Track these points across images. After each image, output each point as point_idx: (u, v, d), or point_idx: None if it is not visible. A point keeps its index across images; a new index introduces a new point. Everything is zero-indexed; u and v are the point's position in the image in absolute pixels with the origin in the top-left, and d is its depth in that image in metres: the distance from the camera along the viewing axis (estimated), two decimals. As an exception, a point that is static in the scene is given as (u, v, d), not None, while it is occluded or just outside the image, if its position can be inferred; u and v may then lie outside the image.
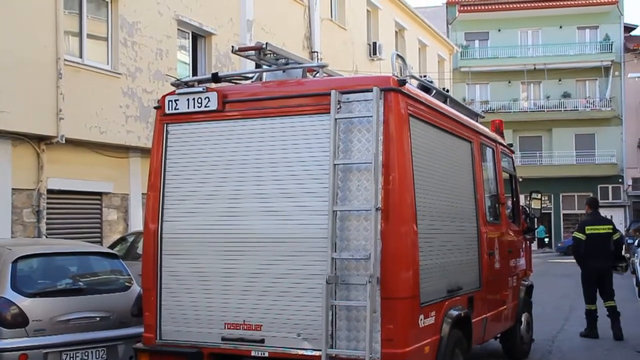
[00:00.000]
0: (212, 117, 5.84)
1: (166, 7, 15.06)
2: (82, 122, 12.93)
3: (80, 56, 13.37)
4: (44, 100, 12.17)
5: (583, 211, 12.19)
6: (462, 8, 45.15)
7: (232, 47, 6.49)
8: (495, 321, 7.71)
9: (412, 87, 5.84)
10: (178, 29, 15.64)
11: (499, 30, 45.10)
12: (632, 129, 42.52)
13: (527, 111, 44.25)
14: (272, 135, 5.60)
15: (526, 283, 9.22)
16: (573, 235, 11.35)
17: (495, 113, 39.15)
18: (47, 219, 12.50)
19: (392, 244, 5.17)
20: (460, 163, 6.80)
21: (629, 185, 42.63)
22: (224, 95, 5.84)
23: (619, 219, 41.32)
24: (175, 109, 5.97)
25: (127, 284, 7.31)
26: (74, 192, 13.30)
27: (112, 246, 11.85)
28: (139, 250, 10.36)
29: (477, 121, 7.99)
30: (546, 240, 42.00)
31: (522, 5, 44.73)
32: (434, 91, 6.63)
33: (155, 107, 6.20)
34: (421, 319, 5.44)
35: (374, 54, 24.58)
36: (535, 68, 43.75)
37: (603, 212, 12.76)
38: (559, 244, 38.92)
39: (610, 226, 10.97)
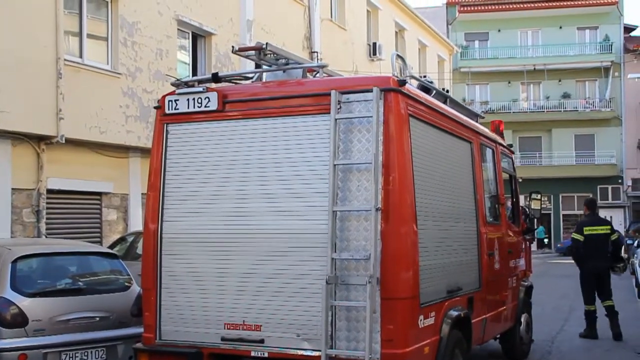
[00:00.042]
0: (212, 117, 5.84)
1: (166, 7, 15.06)
2: (82, 122, 12.93)
3: (80, 56, 13.37)
4: (44, 100, 12.16)
5: (582, 212, 12.20)
6: (462, 8, 45.16)
7: (233, 47, 6.49)
8: (494, 322, 7.71)
9: (412, 87, 5.84)
10: (178, 29, 15.64)
11: (499, 31, 45.11)
12: (632, 130, 42.53)
13: (526, 112, 44.26)
14: (272, 136, 5.60)
15: (526, 284, 9.22)
16: (571, 236, 11.37)
17: (495, 113, 39.17)
18: (47, 218, 12.50)
19: (392, 244, 5.17)
20: (460, 163, 6.80)
21: (629, 186, 42.64)
22: (224, 95, 5.84)
23: (619, 219, 41.36)
24: (175, 109, 5.97)
25: (126, 284, 7.30)
26: (73, 192, 13.30)
27: (111, 246, 11.85)
28: (139, 250, 10.36)
29: (477, 122, 8.00)
30: (546, 240, 42.04)
31: (522, 5, 44.75)
32: (434, 91, 6.63)
33: (155, 107, 6.20)
34: (421, 320, 5.44)
35: (373, 54, 24.59)
36: (535, 68, 43.76)
37: (603, 213, 12.82)
38: (559, 245, 38.92)
39: (609, 227, 10.99)
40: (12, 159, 11.99)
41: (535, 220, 10.40)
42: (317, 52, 20.64)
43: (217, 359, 5.68)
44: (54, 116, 12.30)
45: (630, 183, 42.60)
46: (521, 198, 10.11)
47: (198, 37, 16.60)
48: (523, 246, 9.39)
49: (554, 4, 44.06)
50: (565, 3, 43.96)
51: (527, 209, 10.02)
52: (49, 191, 12.57)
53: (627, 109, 43.04)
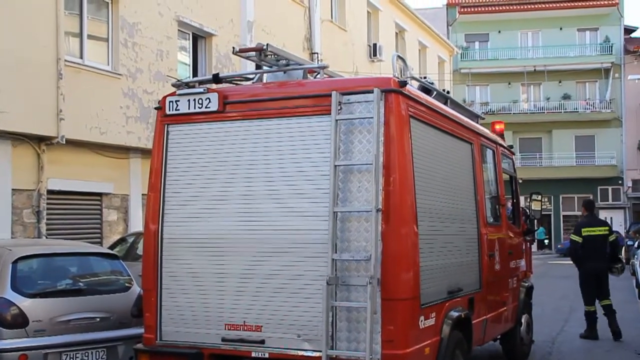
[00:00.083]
0: (213, 118, 5.84)
1: (167, 8, 15.07)
2: (83, 122, 12.94)
3: (81, 57, 13.37)
4: (44, 101, 12.17)
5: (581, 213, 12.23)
6: (462, 9, 45.17)
7: (233, 48, 6.50)
8: (495, 322, 7.71)
9: (412, 88, 5.84)
10: (178, 30, 15.65)
11: (499, 32, 45.12)
12: (632, 131, 42.54)
13: (527, 113, 44.27)
14: (273, 137, 5.60)
15: (526, 284, 9.21)
16: (570, 237, 11.38)
17: (495, 114, 39.17)
18: (47, 219, 12.50)
19: (392, 245, 5.18)
20: (460, 164, 6.80)
21: (629, 187, 42.65)
22: (225, 96, 5.84)
23: (619, 220, 41.38)
24: (175, 109, 5.97)
25: (127, 284, 7.30)
26: (74, 193, 13.30)
27: (112, 247, 11.85)
28: (139, 251, 10.36)
29: (477, 122, 8.00)
30: (546, 241, 42.04)
31: (522, 7, 44.76)
32: (435, 92, 6.63)
33: (155, 108, 6.21)
34: (421, 320, 5.44)
35: (374, 56, 24.60)
36: (535, 70, 43.77)
37: (603, 214, 12.85)
38: (559, 246, 38.92)
39: (607, 227, 11.02)
40: (12, 159, 12.00)
41: (536, 221, 10.40)
42: (317, 53, 20.65)
43: (217, 360, 5.68)
44: (54, 117, 12.31)
45: (630, 184, 42.60)
46: (521, 199, 10.12)
47: (198, 38, 16.60)
48: (523, 247, 9.39)
49: (554, 5, 44.08)
50: (565, 4, 43.97)
51: (527, 210, 10.02)
52: (50, 192, 12.57)
53: (627, 110, 43.04)
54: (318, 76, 6.34)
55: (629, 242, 26.60)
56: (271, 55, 6.01)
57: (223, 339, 5.59)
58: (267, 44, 5.92)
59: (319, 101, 5.47)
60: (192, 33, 16.30)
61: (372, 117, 5.24)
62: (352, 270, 5.24)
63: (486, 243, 7.27)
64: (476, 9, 45.54)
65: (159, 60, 14.86)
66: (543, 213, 11.05)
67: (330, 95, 5.35)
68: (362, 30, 24.65)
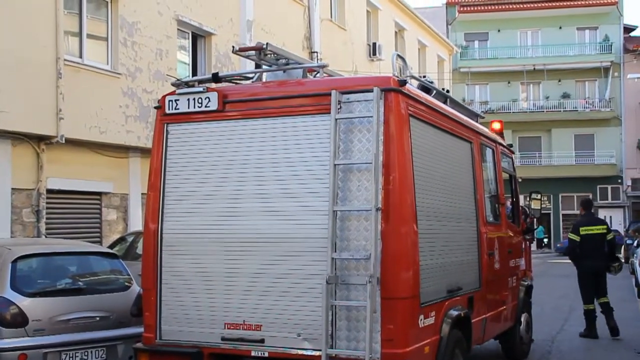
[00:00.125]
0: (213, 117, 5.84)
1: (166, 7, 15.06)
2: (82, 122, 12.93)
3: (80, 56, 13.37)
4: (43, 100, 12.16)
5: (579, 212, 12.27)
6: (461, 8, 45.18)
7: (233, 47, 6.49)
8: (494, 321, 7.71)
9: (412, 87, 5.84)
10: (178, 29, 15.64)
11: (499, 31, 45.13)
12: (632, 130, 42.56)
13: (526, 112, 44.31)
14: (273, 136, 5.60)
15: (525, 283, 9.22)
16: (568, 236, 11.41)
17: (494, 113, 39.20)
18: (47, 218, 12.50)
19: (392, 244, 5.18)
20: (460, 163, 6.80)
21: (628, 186, 42.68)
22: (224, 95, 5.84)
23: (618, 219, 41.41)
24: (175, 109, 5.96)
25: (126, 283, 7.30)
26: (73, 192, 13.30)
27: (111, 246, 11.85)
28: (139, 250, 10.36)
29: (477, 122, 8.00)
30: (545, 240, 42.07)
31: (521, 5, 44.77)
32: (434, 91, 6.63)
33: (155, 107, 6.20)
34: (421, 319, 5.44)
35: (373, 55, 24.59)
36: (534, 68, 43.79)
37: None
38: (558, 245, 38.93)
39: (605, 226, 11.05)
40: (12, 158, 11.99)
41: (535, 220, 10.41)
42: (317, 52, 20.65)
43: (217, 359, 5.68)
44: (53, 116, 12.31)
45: (629, 183, 42.64)
46: (521, 198, 10.12)
47: (198, 37, 16.60)
48: (523, 246, 9.39)
49: (554, 4, 44.09)
50: (565, 3, 43.98)
51: (527, 209, 10.02)
52: (49, 191, 12.57)
53: (626, 109, 43.07)
54: (318, 75, 6.34)
55: (628, 241, 26.60)
56: (271, 54, 6.01)
57: (223, 338, 5.59)
58: (267, 43, 5.92)
59: (318, 100, 5.47)
60: (192, 32, 16.30)
61: (371, 116, 5.24)
62: (351, 269, 5.24)
63: (486, 242, 7.27)
64: (475, 8, 45.54)
65: (158, 60, 14.86)
66: (542, 212, 11.06)
67: (329, 94, 5.35)
68: (362, 29, 24.65)
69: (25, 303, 6.33)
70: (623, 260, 22.90)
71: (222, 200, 5.74)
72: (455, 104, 7.29)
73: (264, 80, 6.34)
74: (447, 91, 7.30)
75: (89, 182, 13.51)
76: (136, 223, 14.17)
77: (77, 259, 7.42)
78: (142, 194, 14.10)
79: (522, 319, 8.94)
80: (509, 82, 44.40)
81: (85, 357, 6.56)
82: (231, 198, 5.70)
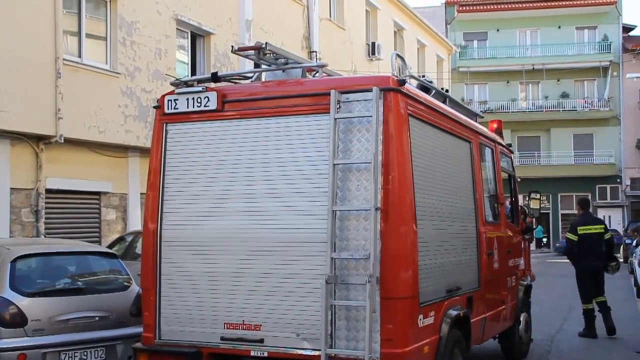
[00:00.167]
0: (212, 116, 5.84)
1: (165, 7, 15.05)
2: (81, 121, 12.93)
3: (79, 56, 13.36)
4: (42, 100, 12.16)
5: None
6: (460, 8, 45.18)
7: (232, 46, 6.49)
8: (494, 321, 7.71)
9: (411, 87, 5.84)
10: (177, 29, 15.63)
11: (498, 31, 45.13)
12: (630, 129, 42.59)
13: (525, 111, 44.30)
14: (272, 135, 5.60)
15: (525, 283, 9.22)
16: (565, 236, 11.43)
17: (493, 113, 39.21)
18: (46, 218, 12.49)
19: (391, 243, 5.17)
20: (459, 163, 6.80)
21: (627, 185, 42.70)
22: (224, 94, 5.84)
23: (617, 219, 41.43)
24: (174, 108, 5.96)
25: (126, 283, 7.30)
26: (72, 192, 13.29)
27: (110, 246, 11.84)
28: (138, 250, 10.35)
29: (476, 121, 8.00)
30: (544, 240, 42.08)
31: (520, 5, 44.78)
32: (434, 91, 6.63)
33: (154, 107, 6.19)
34: (420, 319, 5.44)
35: (372, 54, 24.58)
36: (533, 68, 43.80)
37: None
38: (557, 244, 38.97)
39: (602, 226, 11.07)
40: (10, 158, 11.98)
41: (534, 219, 10.42)
42: (316, 52, 20.64)
43: (216, 359, 5.67)
44: (52, 116, 12.30)
45: (628, 182, 42.67)
46: (520, 197, 10.12)
47: (197, 37, 16.59)
48: (522, 246, 9.40)
49: (553, 3, 44.09)
50: (563, 3, 43.99)
51: (526, 209, 10.03)
52: (48, 191, 12.56)
53: (625, 109, 43.09)
54: (317, 75, 6.34)
55: (627, 241, 26.62)
56: (270, 53, 6.01)
57: (222, 338, 5.59)
58: (266, 43, 5.92)
59: (317, 100, 5.47)
60: (191, 32, 16.29)
61: (371, 116, 5.24)
62: (351, 269, 5.24)
63: (485, 241, 7.27)
64: (475, 8, 45.54)
65: (157, 59, 14.85)
66: (541, 212, 11.07)
67: (329, 94, 5.35)
68: (361, 29, 24.65)
69: (24, 303, 6.33)
70: (622, 260, 22.99)
71: (221, 200, 5.73)
72: (454, 104, 7.29)
73: (263, 79, 6.34)
74: (446, 91, 7.30)
75: (88, 181, 13.50)
76: (135, 223, 14.17)
77: (76, 258, 7.42)
78: (141, 193, 14.09)
79: (521, 319, 8.95)
80: (508, 82, 44.41)
81: (85, 357, 6.56)
82: (233, 198, 5.69)
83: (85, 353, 6.55)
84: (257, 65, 6.32)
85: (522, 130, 42.64)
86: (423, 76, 6.76)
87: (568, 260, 11.56)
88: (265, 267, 5.51)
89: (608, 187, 42.92)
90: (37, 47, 12.06)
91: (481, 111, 9.99)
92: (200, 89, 5.88)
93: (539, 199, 10.33)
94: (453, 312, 6.04)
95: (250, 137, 5.69)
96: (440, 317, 5.82)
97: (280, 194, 5.51)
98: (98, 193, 13.89)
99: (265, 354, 5.44)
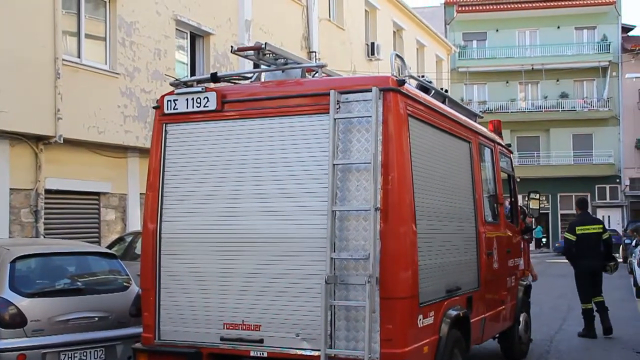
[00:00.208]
0: (211, 117, 5.84)
1: (164, 7, 15.05)
2: (80, 122, 12.92)
3: (79, 56, 13.35)
4: (42, 100, 12.15)
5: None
6: (460, 8, 45.19)
7: (232, 47, 6.50)
8: (493, 321, 7.72)
9: (411, 87, 5.84)
10: (176, 29, 15.63)
11: (497, 31, 45.14)
12: (630, 129, 42.60)
13: (524, 111, 44.31)
14: (271, 136, 5.60)
15: (524, 283, 9.22)
16: (564, 236, 11.45)
17: (493, 113, 39.21)
18: (45, 219, 12.48)
19: (391, 244, 5.18)
20: (459, 163, 6.81)
21: (627, 186, 42.72)
22: (223, 95, 5.84)
23: (617, 219, 41.45)
24: (174, 108, 5.96)
25: (125, 284, 7.30)
26: (72, 192, 13.29)
27: (110, 246, 11.84)
28: (137, 250, 10.35)
29: (475, 121, 8.00)
30: (544, 240, 42.09)
31: (520, 5, 44.79)
32: (433, 91, 6.63)
33: (154, 107, 6.20)
34: (420, 319, 5.44)
35: (372, 54, 24.59)
36: (533, 68, 43.81)
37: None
38: (556, 244, 38.97)
39: (600, 226, 11.09)
40: (10, 159, 11.98)
41: (534, 219, 10.41)
42: (315, 52, 20.64)
43: (216, 359, 5.67)
44: (52, 116, 12.29)
45: (628, 182, 42.68)
46: (519, 198, 10.12)
47: (196, 37, 16.59)
48: (522, 246, 9.40)
49: (552, 3, 44.11)
50: (563, 3, 44.01)
51: (525, 209, 10.03)
52: (47, 191, 12.56)
53: (624, 109, 43.10)
54: (316, 75, 6.34)
55: (627, 241, 26.65)
56: (269, 54, 6.01)
57: (222, 338, 5.59)
58: (265, 43, 5.91)
59: (317, 100, 5.47)
60: (190, 32, 16.29)
61: (370, 116, 5.24)
62: (350, 269, 5.24)
63: (484, 241, 7.27)
64: (474, 8, 45.55)
65: (156, 60, 14.85)
66: (541, 212, 11.08)
67: (328, 94, 5.35)
68: (360, 29, 24.65)
69: (23, 303, 6.32)
70: (621, 260, 23.02)
71: (220, 200, 5.73)
72: (453, 104, 7.29)
73: (262, 80, 6.34)
74: (446, 91, 7.30)
75: (88, 182, 13.50)
76: (135, 223, 14.17)
77: (75, 259, 7.42)
78: (140, 194, 14.09)
79: (521, 319, 8.95)
80: (507, 82, 44.42)
81: (84, 358, 6.56)
82: (230, 198, 5.70)
83: (84, 353, 6.55)
84: (256, 66, 6.32)
85: (521, 130, 42.64)
86: (422, 76, 6.77)
87: (567, 260, 11.57)
88: (265, 268, 5.50)
89: (607, 187, 42.93)
90: (36, 47, 12.05)
91: (480, 111, 9.98)
92: (199, 89, 5.88)
93: (539, 199, 10.33)
94: (453, 312, 6.05)
95: (249, 138, 5.68)
96: (439, 317, 5.83)
97: (278, 195, 5.51)
98: (97, 193, 13.88)
99: (265, 354, 5.44)
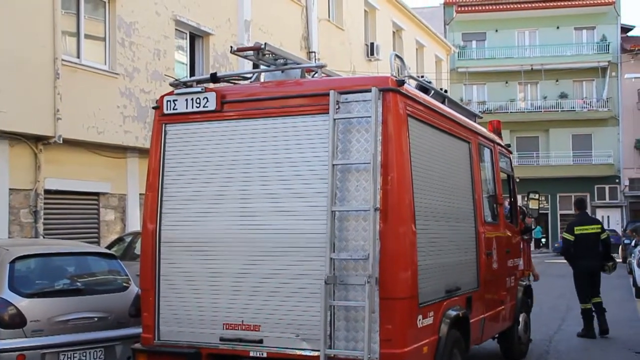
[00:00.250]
0: (211, 117, 5.83)
1: (164, 7, 15.05)
2: (80, 122, 12.92)
3: (78, 56, 13.35)
4: (41, 100, 12.15)
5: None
6: (459, 8, 45.20)
7: (231, 47, 6.50)
8: (493, 321, 7.72)
9: (410, 87, 5.85)
10: (176, 29, 15.63)
11: (496, 31, 45.16)
12: (629, 130, 42.61)
13: (524, 112, 44.33)
14: (271, 136, 5.60)
15: (524, 283, 9.22)
16: (562, 236, 11.45)
17: (492, 113, 39.22)
18: (45, 219, 12.48)
19: (390, 244, 5.18)
20: (458, 163, 6.81)
21: (626, 186, 42.73)
22: (223, 95, 5.84)
23: (616, 219, 41.46)
24: (173, 109, 5.96)
25: (125, 284, 7.29)
26: (71, 193, 13.28)
27: (109, 246, 11.83)
28: (137, 251, 10.35)
29: (475, 122, 8.01)
30: (543, 240, 42.10)
31: (519, 5, 44.81)
32: (432, 91, 6.63)
33: (153, 108, 6.20)
34: (419, 319, 5.44)
35: (371, 55, 24.60)
36: (532, 68, 43.82)
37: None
38: (556, 245, 38.98)
39: (599, 226, 11.10)
40: (9, 159, 11.98)
41: (534, 220, 10.42)
42: (314, 52, 20.64)
43: (215, 359, 5.67)
44: (51, 116, 12.29)
45: (627, 183, 42.70)
46: (519, 198, 10.13)
47: (196, 38, 16.59)
48: (521, 246, 9.40)
49: (551, 4, 44.13)
50: (562, 3, 44.03)
51: (525, 209, 10.03)
52: (47, 191, 12.55)
53: (624, 109, 43.12)
54: (316, 75, 6.35)
55: (626, 241, 26.66)
56: (269, 54, 6.01)
57: (221, 339, 5.59)
58: (265, 43, 5.92)
59: (316, 100, 5.47)
60: (190, 32, 16.29)
61: (370, 116, 5.24)
62: (350, 269, 5.24)
63: (484, 242, 7.27)
64: (473, 8, 45.56)
65: (156, 60, 14.85)
66: (540, 212, 11.08)
67: (328, 95, 5.35)
68: (360, 29, 24.66)
69: (23, 304, 6.32)
70: (620, 260, 23.02)
71: (221, 201, 5.73)
72: (453, 104, 7.29)
73: (262, 80, 6.35)
74: (445, 91, 7.30)
75: (87, 182, 13.49)
76: (134, 223, 14.16)
77: (75, 259, 7.41)
78: (140, 194, 14.10)
79: (520, 319, 8.95)
80: (506, 82, 44.43)
81: (84, 358, 6.55)
82: (231, 198, 5.69)
83: (84, 354, 6.55)
84: (256, 66, 6.32)
85: (520, 130, 42.66)
86: (422, 76, 6.77)
87: (566, 261, 11.58)
88: (265, 268, 5.50)
89: (607, 187, 42.95)
90: (35, 47, 12.05)
91: (480, 111, 9.97)
92: (199, 89, 5.88)
93: (538, 199, 10.33)
94: (452, 313, 6.05)
95: (249, 138, 5.68)
96: (439, 317, 5.83)
97: (278, 195, 5.51)
98: (97, 194, 13.88)
99: (265, 355, 5.44)
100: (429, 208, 5.83)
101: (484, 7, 45.32)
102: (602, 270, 11.00)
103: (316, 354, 5.21)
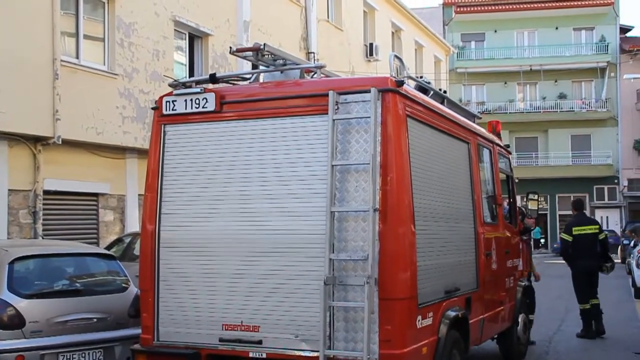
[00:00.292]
0: (210, 117, 5.83)
1: (163, 8, 15.05)
2: (79, 122, 12.92)
3: (77, 57, 13.34)
4: (40, 101, 12.15)
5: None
6: (458, 9, 45.22)
7: (230, 47, 6.49)
8: (492, 322, 7.72)
9: (409, 88, 5.85)
10: (175, 30, 15.63)
11: (495, 31, 45.18)
12: (628, 130, 42.64)
13: (523, 112, 44.36)
14: (270, 136, 5.60)
15: (523, 284, 9.22)
16: (560, 237, 11.47)
17: (491, 114, 39.23)
18: (44, 220, 12.47)
19: (389, 244, 5.18)
20: (457, 164, 6.81)
21: (625, 186, 42.75)
22: (222, 96, 5.84)
23: (615, 219, 41.48)
24: (172, 109, 5.96)
25: (124, 285, 7.29)
26: (70, 193, 13.27)
27: (108, 247, 11.83)
28: (136, 252, 10.34)
29: (474, 122, 8.01)
30: (542, 241, 42.11)
31: (518, 6, 44.84)
32: (432, 92, 6.63)
33: (152, 108, 6.20)
34: (419, 320, 5.44)
35: (370, 55, 24.60)
36: (531, 69, 43.85)
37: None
38: (555, 245, 38.99)
39: (597, 226, 11.12)
40: (8, 159, 11.97)
41: (533, 220, 10.42)
42: (313, 53, 20.64)
43: (214, 360, 5.68)
44: (50, 117, 12.29)
45: (626, 183, 42.72)
46: (518, 198, 10.12)
47: (195, 38, 16.59)
48: (520, 246, 9.40)
49: (550, 4, 44.16)
50: (561, 4, 44.06)
51: (524, 210, 10.03)
52: (46, 192, 12.54)
53: (623, 110, 43.15)
54: (315, 76, 6.35)
55: (625, 241, 26.66)
56: (268, 55, 6.01)
57: (220, 339, 5.59)
58: (264, 44, 5.91)
59: (316, 101, 5.47)
60: (189, 33, 16.29)
61: (369, 117, 5.24)
62: (349, 270, 5.23)
63: (483, 242, 7.27)
64: (472, 9, 45.59)
65: (155, 60, 14.84)
66: (539, 212, 11.08)
67: (327, 95, 5.35)
68: (359, 30, 24.66)
69: (22, 304, 6.31)
70: (619, 261, 23.04)
71: (222, 201, 5.73)
72: (452, 105, 7.29)
73: (261, 81, 6.34)
74: (444, 92, 7.31)
75: (86, 183, 13.48)
76: (133, 224, 14.15)
77: (74, 260, 7.40)
78: (139, 195, 14.09)
79: (520, 320, 8.94)
80: (505, 83, 44.46)
81: (83, 359, 6.54)
82: (232, 199, 5.69)
83: (83, 355, 6.54)
84: (255, 67, 6.32)
85: (519, 131, 42.69)
86: (421, 77, 6.77)
87: (564, 261, 11.58)
88: (264, 269, 5.50)
89: (605, 187, 42.97)
90: (34, 48, 12.05)
91: (479, 112, 9.99)
92: (198, 90, 5.88)
93: (537, 200, 10.33)
94: (451, 313, 6.05)
95: (248, 138, 5.68)
96: (438, 318, 5.83)
97: (278, 196, 5.51)
98: (96, 194, 13.87)
99: (264, 355, 5.44)
100: (428, 209, 5.83)
101: (483, 8, 45.35)
102: (600, 271, 11.01)
103: (315, 354, 5.20)
